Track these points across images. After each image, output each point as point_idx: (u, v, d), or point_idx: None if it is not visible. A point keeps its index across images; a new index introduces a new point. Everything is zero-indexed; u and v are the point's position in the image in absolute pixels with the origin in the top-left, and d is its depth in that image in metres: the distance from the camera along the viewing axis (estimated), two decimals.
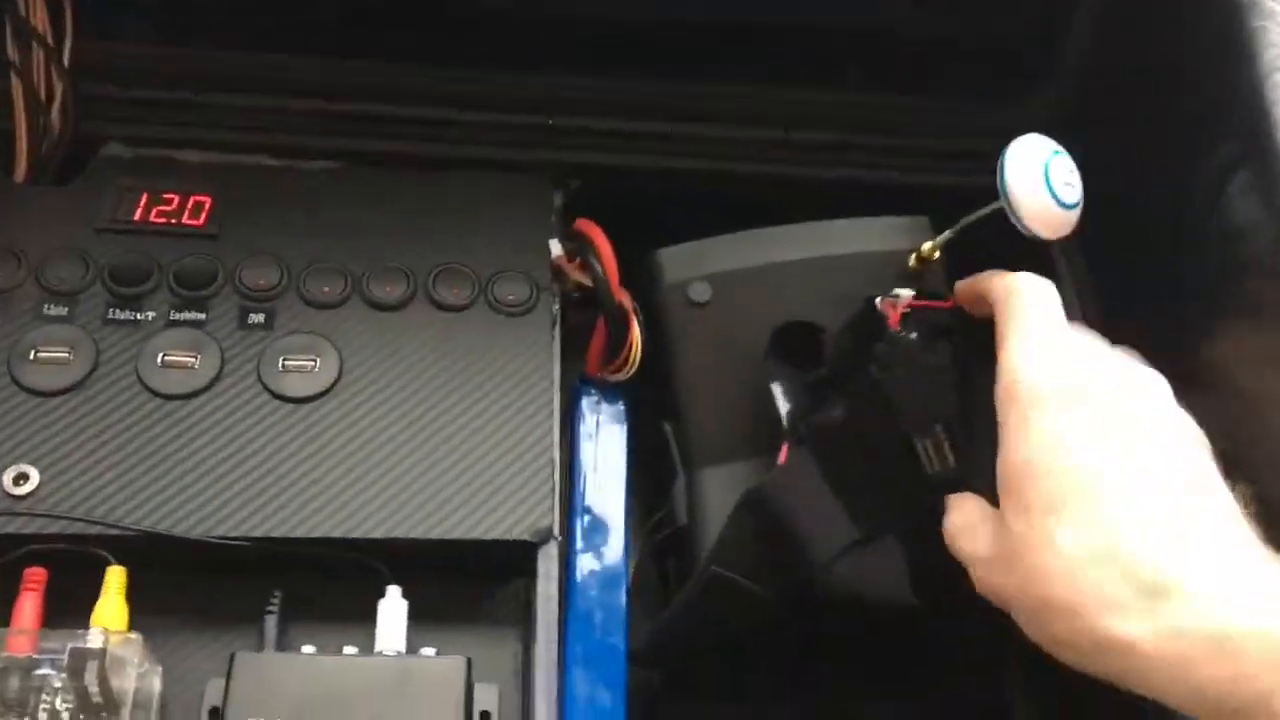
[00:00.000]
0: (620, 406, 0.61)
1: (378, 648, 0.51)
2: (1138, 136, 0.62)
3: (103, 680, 0.46)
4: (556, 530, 0.54)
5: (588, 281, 0.61)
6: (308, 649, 0.50)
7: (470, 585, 0.55)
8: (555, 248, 0.61)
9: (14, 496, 0.51)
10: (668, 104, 0.67)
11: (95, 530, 0.50)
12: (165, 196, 0.60)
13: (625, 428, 0.61)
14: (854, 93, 0.68)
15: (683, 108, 0.67)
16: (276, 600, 0.52)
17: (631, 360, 0.60)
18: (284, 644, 0.52)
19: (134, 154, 0.62)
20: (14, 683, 0.47)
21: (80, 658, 0.46)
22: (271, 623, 0.52)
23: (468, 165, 0.65)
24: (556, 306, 0.60)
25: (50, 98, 0.60)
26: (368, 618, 0.52)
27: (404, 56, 0.65)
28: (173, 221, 0.60)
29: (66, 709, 0.47)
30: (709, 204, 0.69)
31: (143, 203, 0.60)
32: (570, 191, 0.65)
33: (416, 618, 0.52)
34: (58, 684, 0.47)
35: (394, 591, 0.52)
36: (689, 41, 0.66)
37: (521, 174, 0.64)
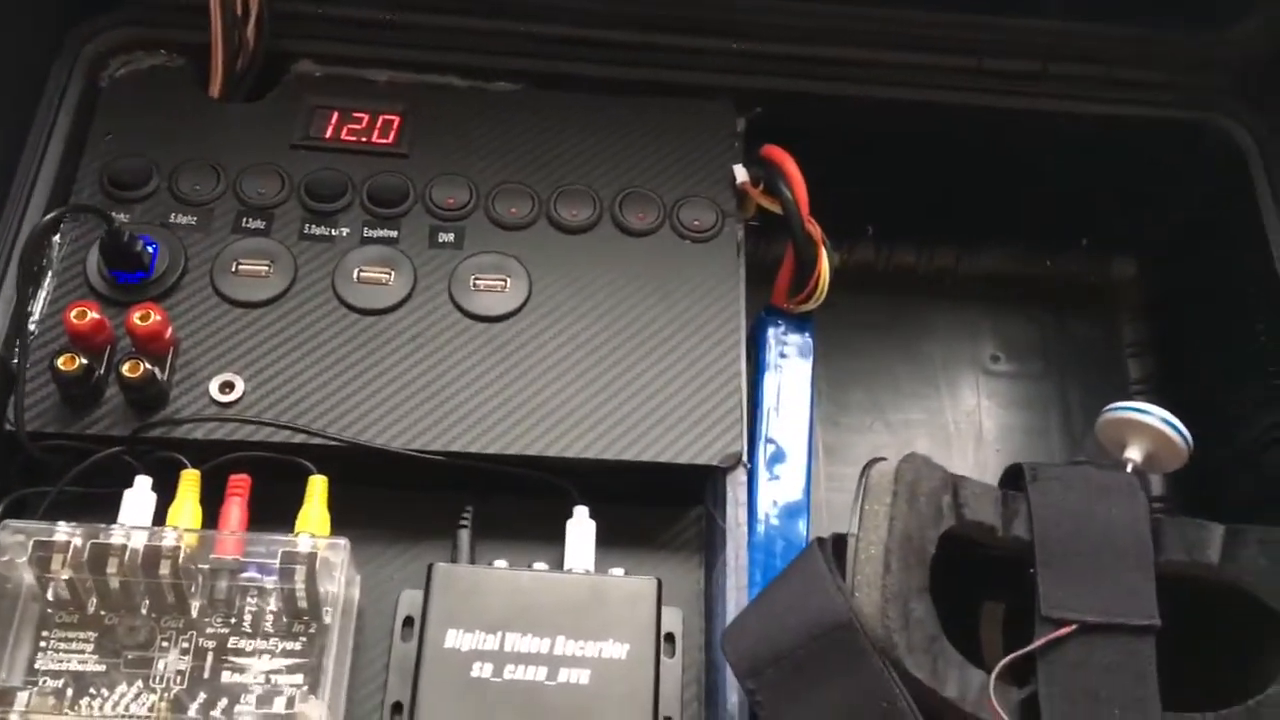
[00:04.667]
0: (807, 337, 0.60)
1: (567, 566, 0.51)
2: None
3: (310, 584, 0.47)
4: (745, 458, 0.53)
5: (774, 208, 0.60)
6: (499, 564, 0.51)
7: (650, 510, 0.55)
8: (740, 173, 0.60)
9: (221, 404, 0.52)
10: (855, 29, 0.65)
11: (299, 439, 0.51)
12: (355, 115, 0.61)
13: (811, 359, 0.60)
14: (1049, 19, 0.66)
15: (871, 33, 0.65)
16: (469, 515, 0.53)
17: (819, 290, 0.59)
18: (474, 559, 0.52)
19: (324, 72, 0.62)
20: (222, 584, 0.49)
21: (291, 561, 0.47)
22: (465, 536, 0.52)
23: (650, 88, 0.64)
24: (741, 233, 0.60)
25: (246, 13, 0.61)
26: (554, 537, 0.53)
27: None
28: (363, 140, 0.60)
29: (271, 612, 0.48)
30: (894, 134, 0.67)
31: (334, 120, 0.61)
32: (753, 117, 0.64)
33: (598, 539, 0.52)
34: (267, 585, 0.48)
35: (581, 512, 0.53)
36: None
37: (705, 99, 0.63)
